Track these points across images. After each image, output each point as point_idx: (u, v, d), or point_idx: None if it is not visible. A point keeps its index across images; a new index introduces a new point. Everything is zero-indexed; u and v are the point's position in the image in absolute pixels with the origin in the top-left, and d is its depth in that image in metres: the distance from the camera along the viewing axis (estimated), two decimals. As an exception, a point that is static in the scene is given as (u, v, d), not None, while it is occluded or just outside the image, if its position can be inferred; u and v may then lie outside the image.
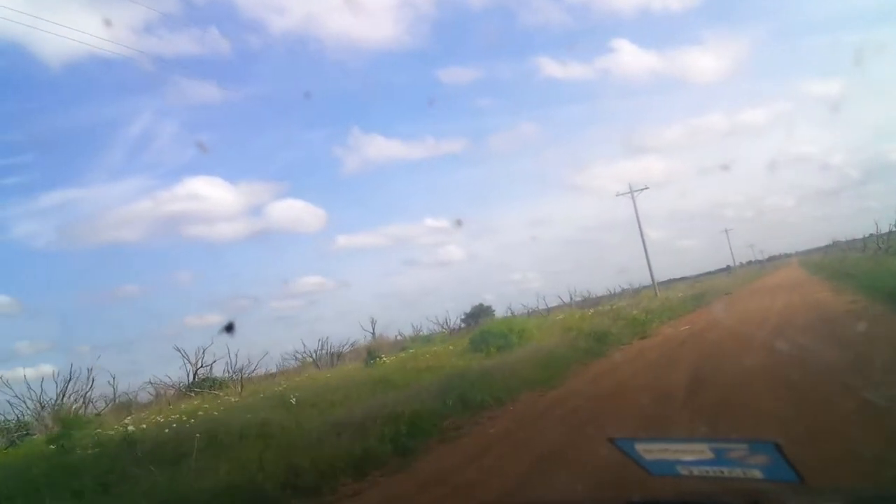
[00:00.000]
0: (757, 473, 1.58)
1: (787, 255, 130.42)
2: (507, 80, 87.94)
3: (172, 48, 58.22)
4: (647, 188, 48.04)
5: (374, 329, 49.67)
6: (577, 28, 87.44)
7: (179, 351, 30.80)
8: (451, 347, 24.99)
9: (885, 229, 37.46)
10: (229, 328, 15.22)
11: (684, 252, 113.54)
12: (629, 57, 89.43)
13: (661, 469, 1.73)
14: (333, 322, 75.58)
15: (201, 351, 30.71)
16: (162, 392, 32.61)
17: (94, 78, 63.10)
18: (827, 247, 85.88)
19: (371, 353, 27.34)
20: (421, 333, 47.64)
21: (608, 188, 46.40)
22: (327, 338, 40.48)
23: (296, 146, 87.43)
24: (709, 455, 1.63)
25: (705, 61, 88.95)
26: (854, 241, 64.02)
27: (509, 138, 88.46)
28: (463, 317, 55.39)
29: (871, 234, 46.10)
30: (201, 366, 33.88)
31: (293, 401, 15.21)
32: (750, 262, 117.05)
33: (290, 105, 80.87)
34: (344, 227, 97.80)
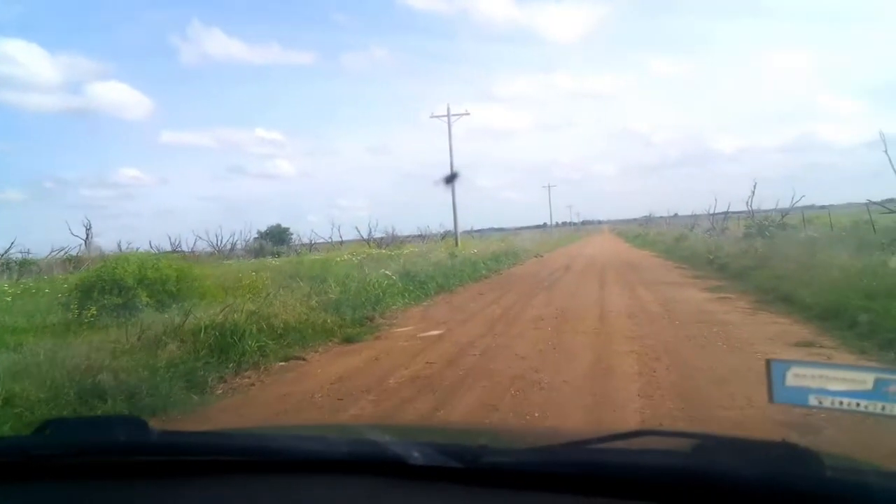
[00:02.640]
0: None
1: (600, 222, 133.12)
2: (366, -2, 75.45)
3: None
4: (467, 114, 38.71)
5: (88, 236, 36.08)
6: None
7: None
8: (45, 289, 13.67)
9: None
10: None
11: (507, 203, 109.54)
12: (488, 1, 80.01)
13: (789, 397, 1.35)
14: (148, 219, 62.66)
15: None
16: None
17: None
18: (641, 219, 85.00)
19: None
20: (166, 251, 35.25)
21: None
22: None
23: (129, 25, 71.30)
24: (867, 387, 1.25)
25: (563, 20, 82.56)
26: (676, 217, 61.29)
27: (360, 60, 76.50)
28: (256, 236, 45.21)
29: (698, 213, 41.73)
30: None
31: None
32: (565, 223, 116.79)
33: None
34: (171, 122, 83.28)
